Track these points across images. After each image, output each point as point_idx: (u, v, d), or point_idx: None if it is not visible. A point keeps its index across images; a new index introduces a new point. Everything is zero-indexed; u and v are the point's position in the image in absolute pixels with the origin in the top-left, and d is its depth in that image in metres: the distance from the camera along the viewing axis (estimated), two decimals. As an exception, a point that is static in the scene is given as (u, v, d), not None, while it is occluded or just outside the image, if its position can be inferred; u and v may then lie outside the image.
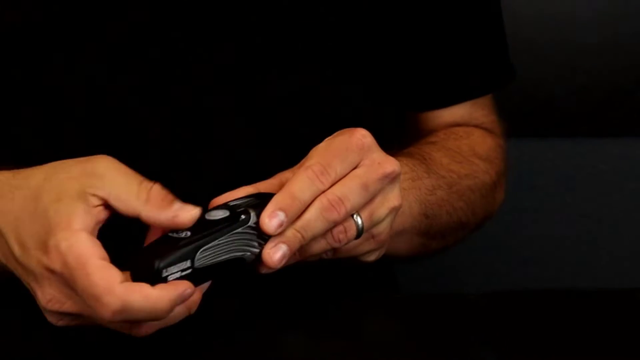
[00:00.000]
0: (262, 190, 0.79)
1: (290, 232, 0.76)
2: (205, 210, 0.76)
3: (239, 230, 0.75)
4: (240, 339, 0.81)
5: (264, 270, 0.77)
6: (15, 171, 0.79)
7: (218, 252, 0.75)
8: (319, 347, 0.81)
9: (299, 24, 0.93)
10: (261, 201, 0.77)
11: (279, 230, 0.75)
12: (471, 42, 1.03)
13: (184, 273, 0.73)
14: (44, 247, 0.72)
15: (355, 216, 0.79)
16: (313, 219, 0.76)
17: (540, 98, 1.37)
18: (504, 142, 1.07)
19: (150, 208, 0.73)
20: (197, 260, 0.73)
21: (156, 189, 0.74)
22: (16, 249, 0.75)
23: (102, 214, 0.74)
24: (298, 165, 0.80)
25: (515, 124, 1.11)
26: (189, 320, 0.75)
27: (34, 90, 0.91)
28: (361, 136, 0.80)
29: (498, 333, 0.84)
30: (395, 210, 0.82)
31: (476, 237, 1.07)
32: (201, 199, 0.77)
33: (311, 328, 0.83)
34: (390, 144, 0.90)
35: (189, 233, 0.74)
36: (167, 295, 0.71)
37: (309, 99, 0.94)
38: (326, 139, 0.80)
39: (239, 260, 0.76)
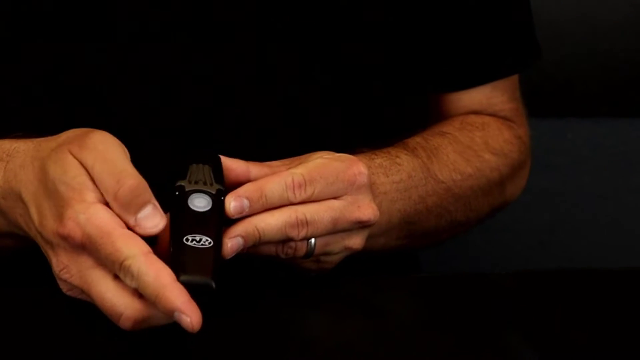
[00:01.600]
0: (254, 174, 0.81)
1: (250, 229, 0.78)
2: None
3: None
4: (264, 318, 0.81)
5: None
6: (37, 141, 0.81)
7: None
8: (342, 326, 0.81)
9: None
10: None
11: (237, 216, 0.78)
12: (494, 18, 1.01)
13: None
14: (60, 217, 0.75)
15: (310, 239, 0.81)
16: (275, 226, 0.79)
17: (559, 78, 1.36)
18: (526, 131, 1.05)
19: (117, 204, 0.75)
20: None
21: (129, 187, 0.75)
22: (36, 218, 0.78)
23: None
24: (296, 159, 0.83)
25: (534, 103, 1.09)
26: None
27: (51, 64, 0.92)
28: (358, 172, 0.82)
29: (523, 313, 0.84)
30: (351, 251, 0.84)
31: (496, 217, 1.06)
32: None
33: (334, 308, 0.83)
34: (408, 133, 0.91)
35: (204, 237, 0.75)
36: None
37: (328, 77, 0.94)
38: (327, 157, 0.82)
39: None
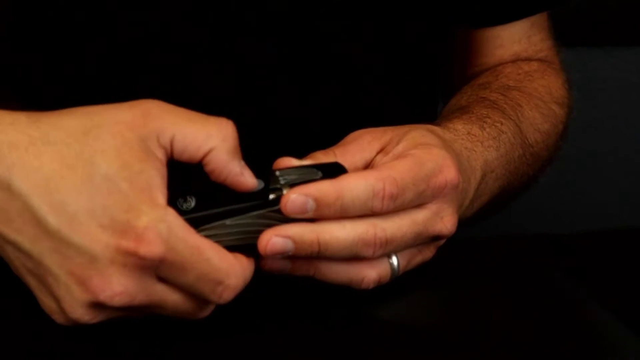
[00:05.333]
0: (317, 161, 0.67)
1: (309, 236, 0.64)
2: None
3: (258, 212, 0.64)
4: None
5: (266, 267, 0.66)
6: (31, 116, 0.63)
7: (222, 235, 0.63)
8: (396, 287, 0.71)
9: None
10: (313, 179, 0.64)
11: (295, 215, 0.63)
12: None
13: None
14: (122, 227, 0.60)
15: (392, 260, 0.68)
16: (343, 242, 0.64)
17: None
18: (565, 73, 0.98)
19: (226, 148, 0.62)
20: None
21: (233, 128, 0.63)
22: (52, 219, 0.60)
23: (166, 175, 0.62)
24: (371, 147, 0.69)
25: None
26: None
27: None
28: (450, 178, 0.67)
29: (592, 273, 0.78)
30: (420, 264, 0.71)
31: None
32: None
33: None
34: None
35: (193, 204, 0.63)
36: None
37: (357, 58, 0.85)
38: (417, 151, 0.67)
39: (250, 247, 0.64)
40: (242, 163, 0.63)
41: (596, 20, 1.39)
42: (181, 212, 0.62)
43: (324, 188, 0.63)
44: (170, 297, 0.62)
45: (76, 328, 0.63)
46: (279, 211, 0.63)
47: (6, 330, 0.68)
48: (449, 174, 0.67)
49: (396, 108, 0.89)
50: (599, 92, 1.44)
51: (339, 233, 0.64)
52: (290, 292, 0.71)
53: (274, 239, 0.63)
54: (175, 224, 0.60)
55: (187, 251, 0.60)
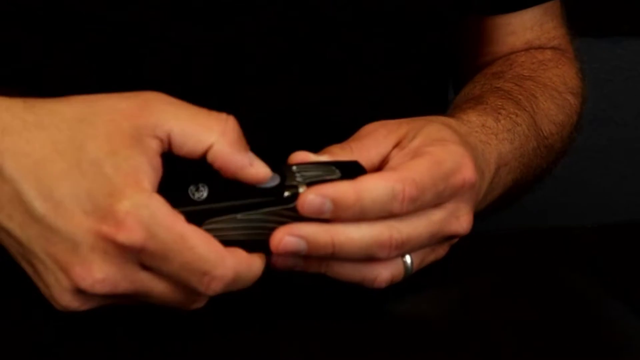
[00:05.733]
0: (333, 155, 0.64)
1: (323, 238, 0.61)
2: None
3: (271, 209, 0.61)
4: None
5: (277, 264, 0.63)
6: (28, 102, 0.62)
7: (231, 229, 0.61)
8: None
9: None
10: (331, 178, 0.62)
11: (311, 216, 0.61)
12: None
13: None
14: (105, 211, 0.58)
15: (405, 258, 0.66)
16: (359, 242, 0.62)
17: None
18: (579, 63, 0.95)
19: (227, 141, 0.59)
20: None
21: (233, 122, 0.60)
22: (38, 205, 0.59)
23: (160, 166, 0.60)
24: (387, 142, 0.66)
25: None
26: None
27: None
28: (468, 177, 0.65)
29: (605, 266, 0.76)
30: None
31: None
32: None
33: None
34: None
35: (205, 194, 0.60)
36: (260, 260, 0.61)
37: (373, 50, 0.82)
38: (434, 149, 0.65)
39: (259, 243, 0.61)
40: (251, 154, 0.61)
41: (603, 10, 1.37)
42: (192, 202, 0.60)
43: (343, 189, 0.61)
44: (156, 285, 0.60)
45: (76, 325, 0.62)
46: (294, 209, 0.61)
47: (7, 327, 0.66)
48: (467, 172, 0.65)
49: (405, 97, 0.86)
50: (605, 83, 1.42)
51: (354, 235, 0.62)
52: (300, 290, 0.69)
53: (287, 238, 0.61)
54: (158, 209, 0.58)
55: (169, 239, 0.58)
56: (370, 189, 0.61)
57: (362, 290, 0.66)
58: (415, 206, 0.62)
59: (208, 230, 0.59)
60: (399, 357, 0.64)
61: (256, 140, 0.62)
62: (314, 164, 0.63)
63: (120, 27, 0.77)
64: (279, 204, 0.61)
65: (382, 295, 0.67)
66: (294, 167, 0.63)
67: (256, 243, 0.61)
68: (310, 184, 0.61)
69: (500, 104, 0.80)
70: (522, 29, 0.93)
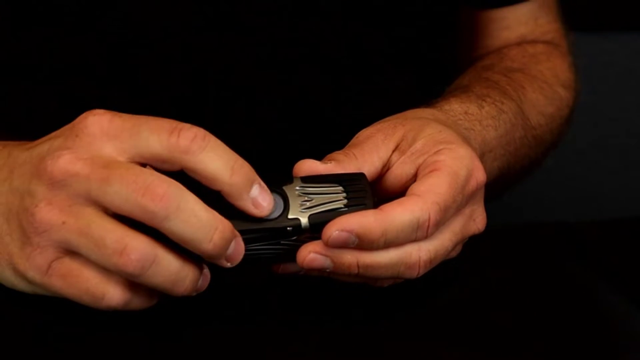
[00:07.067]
0: (340, 166, 0.64)
1: (347, 260, 0.61)
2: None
3: (273, 242, 0.62)
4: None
5: (280, 270, 0.64)
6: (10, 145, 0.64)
7: None
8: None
9: None
10: (336, 208, 0.62)
11: (337, 247, 0.61)
12: None
13: None
14: (38, 160, 0.58)
15: None
16: (385, 266, 0.62)
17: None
18: (572, 57, 0.95)
19: (232, 188, 0.59)
20: None
21: (242, 164, 0.59)
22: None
23: None
24: (386, 146, 0.66)
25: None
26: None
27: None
28: (481, 180, 0.66)
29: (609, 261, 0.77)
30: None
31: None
32: (253, 154, 0.63)
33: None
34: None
35: None
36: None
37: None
38: (447, 163, 0.64)
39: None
40: (254, 190, 0.60)
41: (594, 5, 1.37)
42: None
43: (368, 224, 0.60)
44: (96, 217, 0.57)
45: (76, 325, 0.63)
46: (296, 240, 0.61)
47: (9, 325, 0.66)
48: (479, 175, 0.66)
49: (405, 91, 0.86)
50: (599, 79, 1.41)
51: (380, 258, 0.62)
52: (306, 289, 0.69)
53: (313, 255, 0.61)
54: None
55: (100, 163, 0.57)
56: (395, 222, 0.61)
57: (365, 288, 0.66)
58: (439, 227, 0.63)
59: None
60: (406, 351, 0.64)
61: (256, 140, 0.61)
62: (317, 183, 0.63)
63: (120, 27, 0.76)
64: (281, 237, 0.61)
65: (386, 292, 0.67)
66: (297, 189, 0.62)
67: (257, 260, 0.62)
68: (312, 215, 0.61)
69: (485, 92, 0.80)
70: (516, 24, 0.93)
